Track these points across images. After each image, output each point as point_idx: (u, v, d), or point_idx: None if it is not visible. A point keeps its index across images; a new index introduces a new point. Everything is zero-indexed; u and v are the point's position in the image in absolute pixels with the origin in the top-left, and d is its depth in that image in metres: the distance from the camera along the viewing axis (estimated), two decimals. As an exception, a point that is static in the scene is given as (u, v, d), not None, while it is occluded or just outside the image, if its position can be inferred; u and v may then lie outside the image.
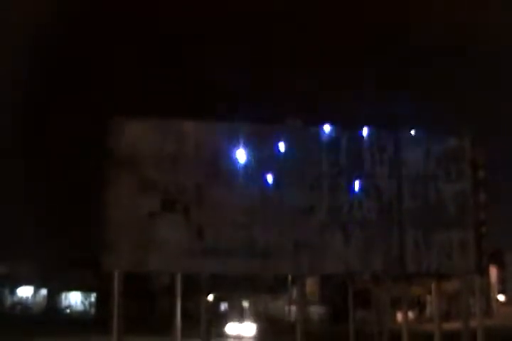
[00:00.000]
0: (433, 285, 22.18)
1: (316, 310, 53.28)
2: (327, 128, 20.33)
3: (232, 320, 47.15)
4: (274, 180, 19.41)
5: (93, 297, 58.17)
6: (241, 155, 19.34)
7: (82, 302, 59.71)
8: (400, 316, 39.80)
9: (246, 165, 19.33)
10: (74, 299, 60.63)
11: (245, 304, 64.08)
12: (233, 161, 19.30)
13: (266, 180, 19.37)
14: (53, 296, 59.27)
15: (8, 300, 59.47)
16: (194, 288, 23.06)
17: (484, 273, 22.62)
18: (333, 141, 20.05)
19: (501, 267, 72.21)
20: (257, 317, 51.32)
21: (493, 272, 69.25)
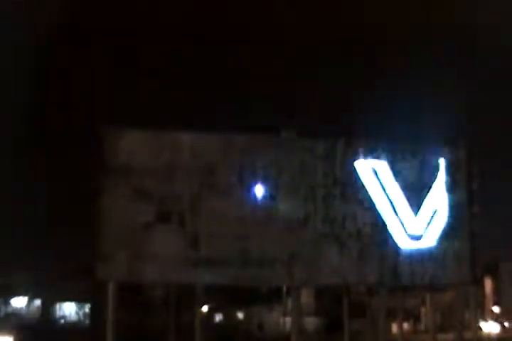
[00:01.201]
0: (428, 297, 22.20)
1: (311, 321, 53.06)
2: (322, 139, 20.43)
3: None
4: (269, 190, 19.43)
5: (87, 308, 57.78)
6: (236, 166, 19.37)
7: (77, 312, 59.26)
8: (394, 327, 39.72)
9: (241, 176, 19.36)
10: (68, 310, 60.28)
11: (240, 315, 63.88)
12: (228, 172, 19.33)
13: (261, 190, 19.38)
14: (47, 307, 58.87)
15: (2, 311, 59.07)
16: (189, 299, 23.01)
17: (479, 284, 22.59)
18: (328, 152, 20.10)
19: (496, 278, 72.12)
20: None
21: (488, 283, 69.14)
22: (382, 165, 20.32)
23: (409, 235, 20.16)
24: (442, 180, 20.61)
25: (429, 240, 20.26)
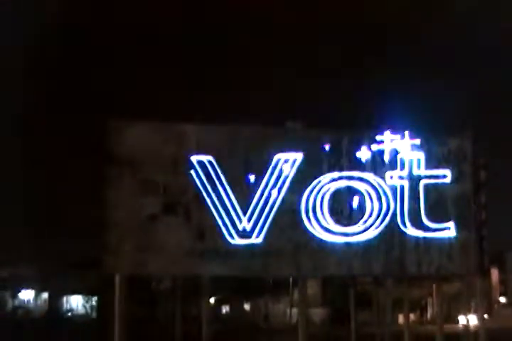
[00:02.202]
0: (434, 287, 22.19)
1: (317, 312, 53.20)
2: (328, 130, 20.39)
3: None
4: (275, 182, 19.42)
5: (94, 300, 58.06)
6: (241, 158, 19.36)
7: (84, 305, 59.52)
8: (401, 318, 39.70)
9: (246, 168, 19.35)
10: (75, 302, 60.56)
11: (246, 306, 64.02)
12: (234, 163, 19.32)
13: (267, 182, 19.38)
14: (54, 300, 59.18)
15: (10, 304, 59.38)
16: (195, 291, 23.09)
17: (485, 274, 22.56)
18: (334, 143, 20.06)
19: (503, 269, 72.12)
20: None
21: (495, 273, 69.18)
22: (388, 156, 20.29)
23: (414, 225, 20.12)
24: (448, 170, 20.55)
25: (436, 230, 20.20)
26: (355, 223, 19.74)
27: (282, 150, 19.52)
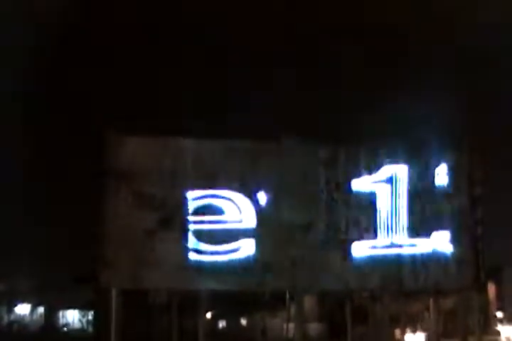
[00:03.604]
0: (431, 302, 22.16)
1: (314, 327, 52.91)
2: (324, 145, 20.47)
3: None
4: (272, 196, 19.44)
5: (91, 315, 57.75)
6: (238, 173, 19.40)
7: (80, 320, 59.18)
8: (398, 332, 39.53)
9: (243, 182, 19.38)
10: (71, 317, 60.22)
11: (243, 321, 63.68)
12: (230, 178, 19.35)
13: (264, 196, 19.39)
14: (50, 314, 58.81)
15: (5, 318, 59.03)
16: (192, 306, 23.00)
17: (482, 289, 22.55)
18: (331, 157, 20.12)
19: (500, 284, 71.88)
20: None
21: (491, 289, 68.94)
22: (385, 170, 20.35)
23: (410, 239, 20.16)
24: (444, 185, 20.59)
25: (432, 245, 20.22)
26: None
27: (278, 165, 19.61)
